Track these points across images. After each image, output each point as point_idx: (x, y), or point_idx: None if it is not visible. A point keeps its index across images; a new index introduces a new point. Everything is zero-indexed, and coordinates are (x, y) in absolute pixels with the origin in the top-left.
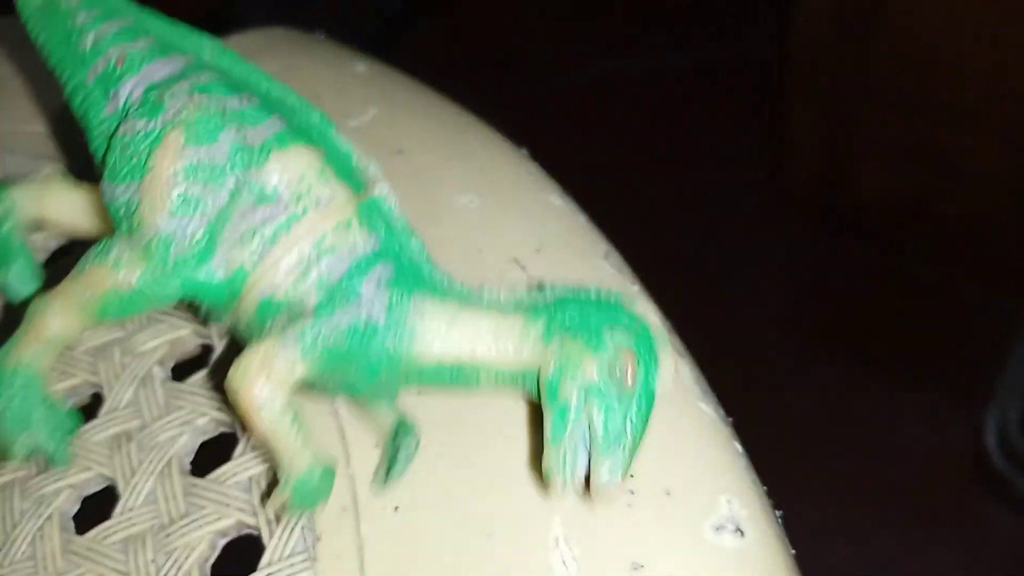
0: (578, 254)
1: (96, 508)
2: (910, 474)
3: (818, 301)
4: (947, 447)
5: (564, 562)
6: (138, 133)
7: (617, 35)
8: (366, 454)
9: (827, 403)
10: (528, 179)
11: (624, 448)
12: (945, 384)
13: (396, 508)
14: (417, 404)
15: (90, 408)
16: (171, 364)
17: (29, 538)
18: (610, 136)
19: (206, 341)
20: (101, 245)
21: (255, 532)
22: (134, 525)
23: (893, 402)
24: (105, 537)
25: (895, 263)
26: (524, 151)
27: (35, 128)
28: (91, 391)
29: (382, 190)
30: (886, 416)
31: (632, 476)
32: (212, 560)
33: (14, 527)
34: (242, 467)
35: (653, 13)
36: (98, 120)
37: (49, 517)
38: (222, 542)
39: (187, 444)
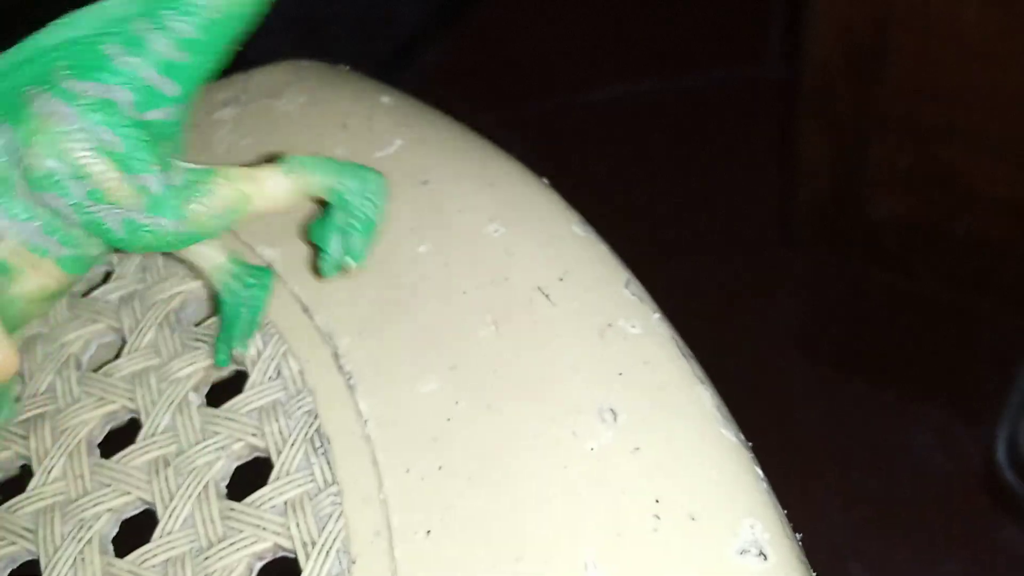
0: (600, 282)
1: (133, 532)
2: (923, 492)
3: (831, 322)
4: (959, 464)
5: None
6: None
7: (631, 57)
8: (399, 479)
9: (841, 423)
10: (551, 208)
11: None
12: (957, 402)
13: (428, 532)
14: (449, 425)
15: (127, 433)
16: (206, 390)
17: (71, 562)
18: (623, 157)
19: (240, 368)
20: None
21: (291, 555)
22: (173, 548)
23: (906, 421)
24: (145, 560)
25: (906, 284)
26: (545, 181)
27: None
28: (128, 416)
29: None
30: (899, 435)
31: (658, 502)
32: None
33: (55, 551)
34: (277, 491)
35: (668, 35)
36: None
37: (89, 541)
38: (259, 565)
39: (223, 469)
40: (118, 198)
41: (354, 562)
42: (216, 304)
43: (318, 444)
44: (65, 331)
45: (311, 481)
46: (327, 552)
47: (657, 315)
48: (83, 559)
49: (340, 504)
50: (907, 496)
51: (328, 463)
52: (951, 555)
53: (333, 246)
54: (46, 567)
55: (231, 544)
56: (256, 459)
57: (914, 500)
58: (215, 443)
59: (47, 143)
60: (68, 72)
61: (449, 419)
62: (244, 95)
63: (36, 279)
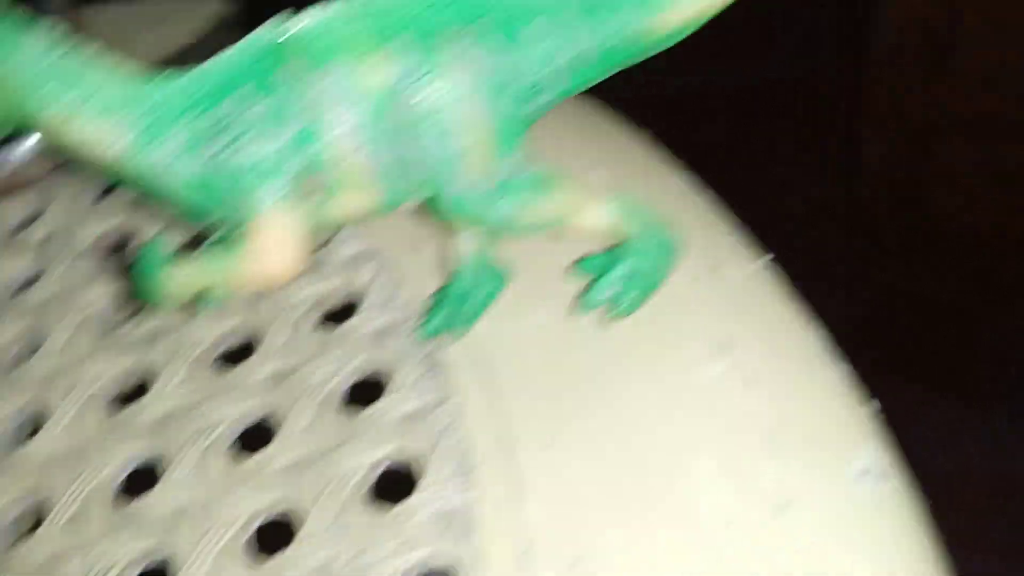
0: (708, 227)
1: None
2: (975, 496)
3: (888, 323)
4: (1011, 471)
5: (714, 500)
6: None
7: (690, 52)
8: (515, 397)
9: (894, 425)
10: (655, 159)
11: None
12: (1013, 409)
13: (549, 445)
14: (562, 349)
15: (244, 352)
16: (318, 314)
17: (193, 462)
18: (680, 152)
19: (352, 296)
20: None
21: (408, 464)
22: (293, 451)
23: (960, 426)
24: (268, 463)
25: (966, 285)
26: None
27: None
28: (247, 334)
29: None
30: (953, 440)
31: (774, 427)
32: (369, 486)
33: (178, 451)
34: (394, 404)
35: (726, 30)
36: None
37: (211, 445)
38: (378, 471)
39: (341, 383)
40: (473, 168)
41: (475, 469)
42: (445, 283)
43: (432, 363)
44: None
45: (427, 395)
46: (447, 459)
47: (764, 259)
48: (205, 462)
49: (457, 417)
50: (961, 501)
51: (443, 380)
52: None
53: (607, 292)
54: (168, 467)
55: (350, 449)
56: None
57: (967, 504)
58: (332, 359)
59: (448, 88)
60: (494, 29)
61: (561, 344)
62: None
63: (358, 201)
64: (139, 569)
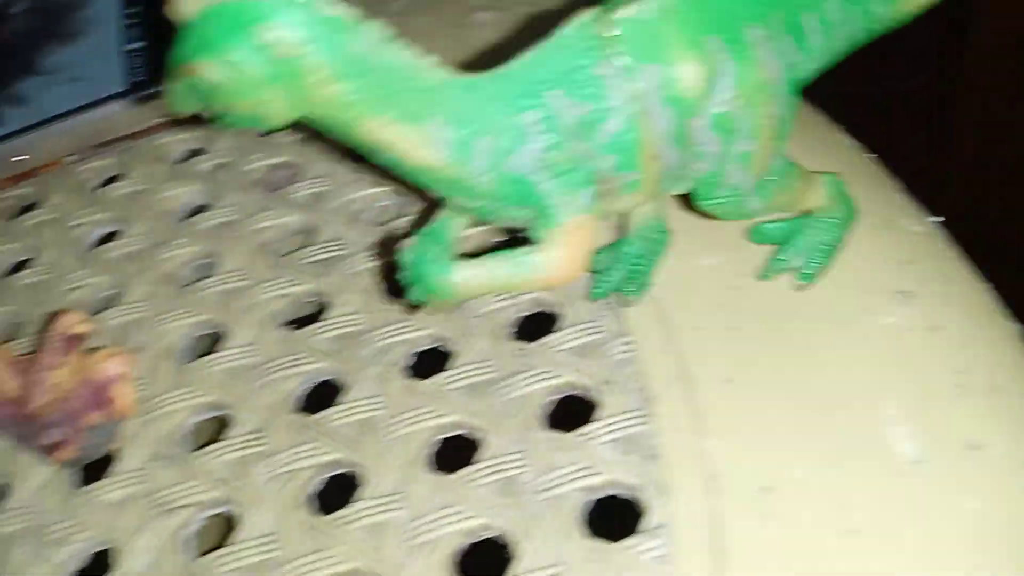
0: (880, 186)
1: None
2: None
3: None
4: None
5: (901, 440)
6: None
7: None
8: (690, 335)
9: None
10: (823, 124)
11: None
12: None
13: (729, 380)
14: (734, 294)
15: None
16: None
17: (373, 380)
18: None
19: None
20: None
21: (585, 393)
22: (471, 377)
23: None
24: (447, 384)
25: None
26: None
27: None
28: None
29: None
30: None
31: (959, 372)
32: (547, 412)
33: (359, 370)
34: (568, 337)
35: None
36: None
37: (392, 363)
38: (553, 398)
39: (514, 315)
40: (755, 168)
41: (653, 400)
42: (618, 246)
43: (607, 300)
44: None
45: (601, 331)
46: (625, 390)
47: (933, 219)
48: (386, 378)
49: (633, 351)
50: None
51: (617, 317)
52: None
53: (794, 260)
54: (348, 384)
55: (526, 377)
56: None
57: None
58: (504, 296)
59: (753, 92)
60: (784, 27)
61: (733, 288)
62: (502, 1)
63: (636, 200)
64: (325, 476)
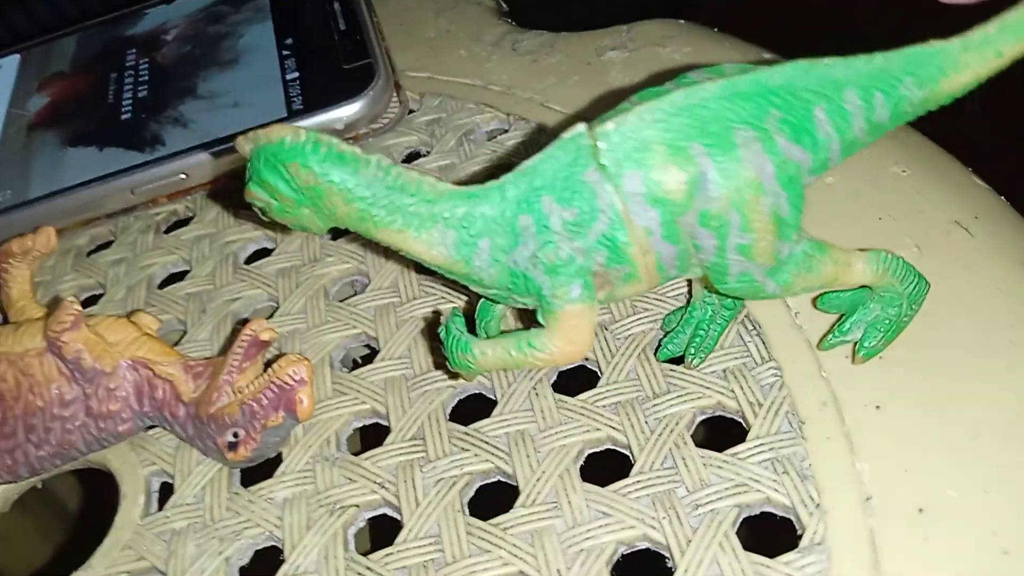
0: (1012, 226)
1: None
2: None
3: None
4: None
5: None
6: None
7: None
8: (837, 362)
9: None
10: (947, 158)
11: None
12: None
13: (877, 407)
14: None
15: None
16: None
17: (524, 395)
18: None
19: None
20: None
21: (734, 415)
22: (622, 395)
23: None
24: (596, 400)
25: None
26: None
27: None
28: None
29: None
30: None
31: None
32: (691, 430)
33: (510, 385)
34: (715, 360)
35: None
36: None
37: (542, 379)
38: (701, 417)
39: (653, 334)
40: (758, 258)
41: (804, 423)
42: (690, 309)
43: (750, 327)
44: None
45: (747, 356)
46: (775, 412)
47: None
48: (537, 394)
49: (780, 376)
50: None
51: (763, 343)
52: None
53: (853, 332)
54: (500, 396)
55: (676, 397)
56: None
57: None
58: (646, 317)
59: (738, 191)
60: (780, 125)
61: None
62: (630, 43)
63: (636, 289)
64: (482, 482)
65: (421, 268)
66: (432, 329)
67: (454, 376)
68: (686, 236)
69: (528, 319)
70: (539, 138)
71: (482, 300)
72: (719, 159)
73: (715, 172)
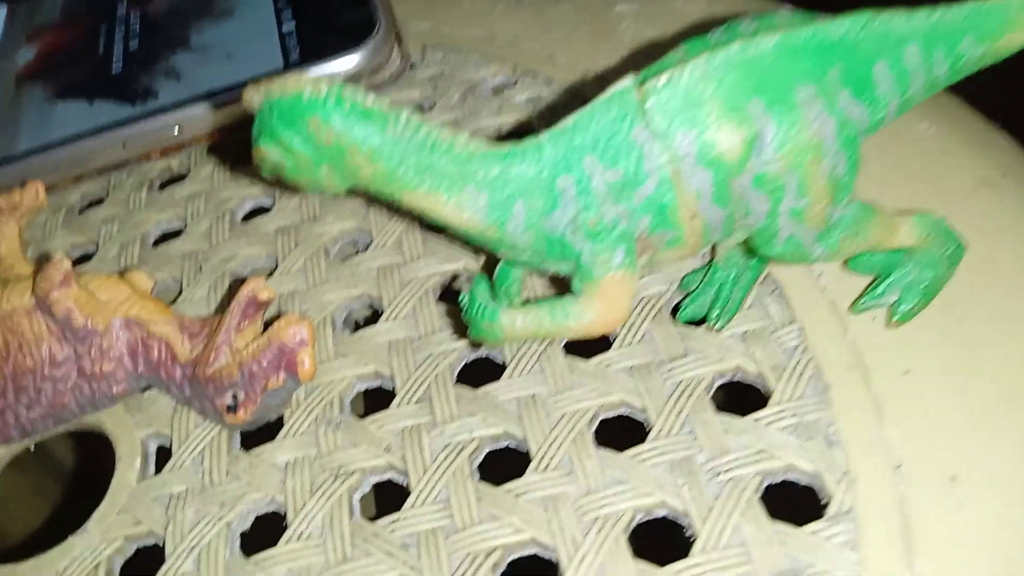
0: None
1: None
2: None
3: None
4: None
5: None
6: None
7: None
8: (864, 326)
9: None
10: (972, 116)
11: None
12: None
13: (906, 372)
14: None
15: None
16: None
17: (534, 358)
18: None
19: None
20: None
21: (755, 379)
22: (637, 358)
23: None
24: (610, 364)
25: None
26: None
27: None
28: None
29: None
30: None
31: None
32: (710, 395)
33: (520, 348)
34: (737, 322)
35: None
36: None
37: (551, 343)
38: (720, 382)
39: (671, 294)
40: (810, 222)
41: (828, 388)
42: (711, 269)
43: (770, 288)
44: None
45: (767, 318)
46: (799, 377)
47: None
48: (548, 357)
49: (804, 340)
50: None
51: (784, 304)
52: None
53: (888, 295)
54: (509, 362)
55: (694, 360)
56: None
57: None
58: (661, 278)
59: (795, 153)
60: (841, 82)
61: None
62: None
63: (679, 254)
64: (491, 447)
65: (427, 226)
66: (448, 293)
67: (476, 345)
68: (737, 199)
69: (558, 285)
70: (546, 93)
71: (502, 262)
72: (779, 118)
73: (774, 132)
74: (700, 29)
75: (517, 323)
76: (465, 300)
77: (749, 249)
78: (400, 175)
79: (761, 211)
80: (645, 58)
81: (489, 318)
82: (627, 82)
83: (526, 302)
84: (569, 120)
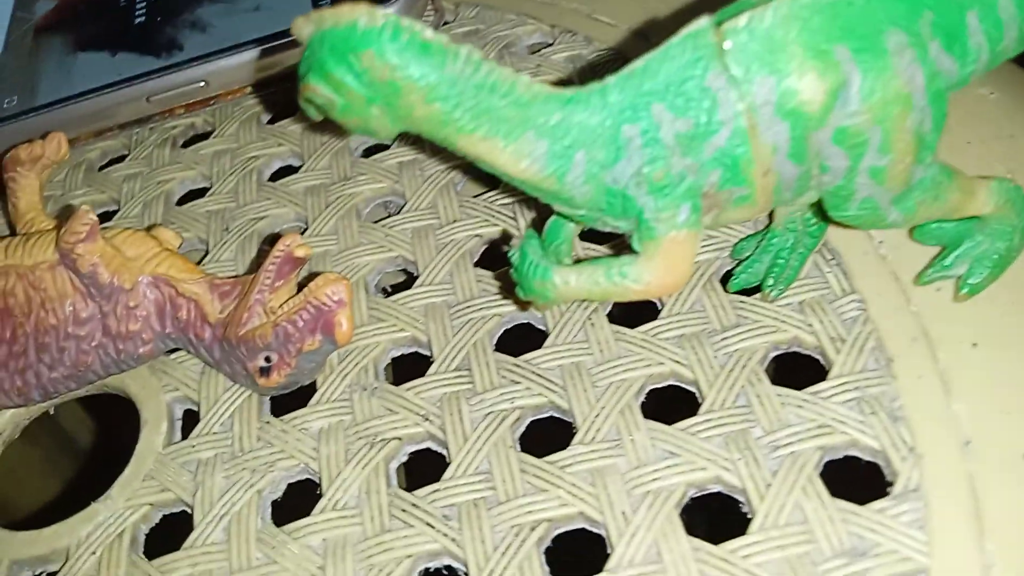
0: None
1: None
2: None
3: None
4: None
5: None
6: None
7: None
8: (929, 296)
9: None
10: None
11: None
12: None
13: (974, 344)
14: None
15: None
16: None
17: (578, 325)
18: None
19: None
20: None
21: (813, 352)
22: (687, 327)
23: None
24: (658, 332)
25: None
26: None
27: None
28: None
29: None
30: None
31: None
32: (765, 366)
33: (562, 314)
34: (789, 292)
35: None
36: None
37: (597, 309)
38: (774, 353)
39: (720, 264)
40: (890, 183)
41: (892, 360)
42: (767, 235)
43: (828, 256)
44: None
45: (826, 287)
46: (860, 348)
47: None
48: (592, 324)
49: (865, 310)
50: None
51: (843, 273)
52: None
53: (957, 266)
54: (552, 329)
55: (748, 330)
56: None
57: None
58: (711, 244)
59: (882, 106)
60: (933, 30)
61: None
62: None
63: (747, 213)
64: (533, 417)
65: (473, 175)
66: (486, 257)
67: (525, 305)
68: (814, 155)
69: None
70: (587, 52)
71: (553, 219)
72: (867, 66)
73: (861, 81)
74: None
75: (571, 282)
76: (516, 256)
77: (815, 212)
78: (457, 117)
79: (839, 169)
80: (692, 15)
81: (541, 276)
82: (703, 22)
83: (577, 262)
84: (637, 64)
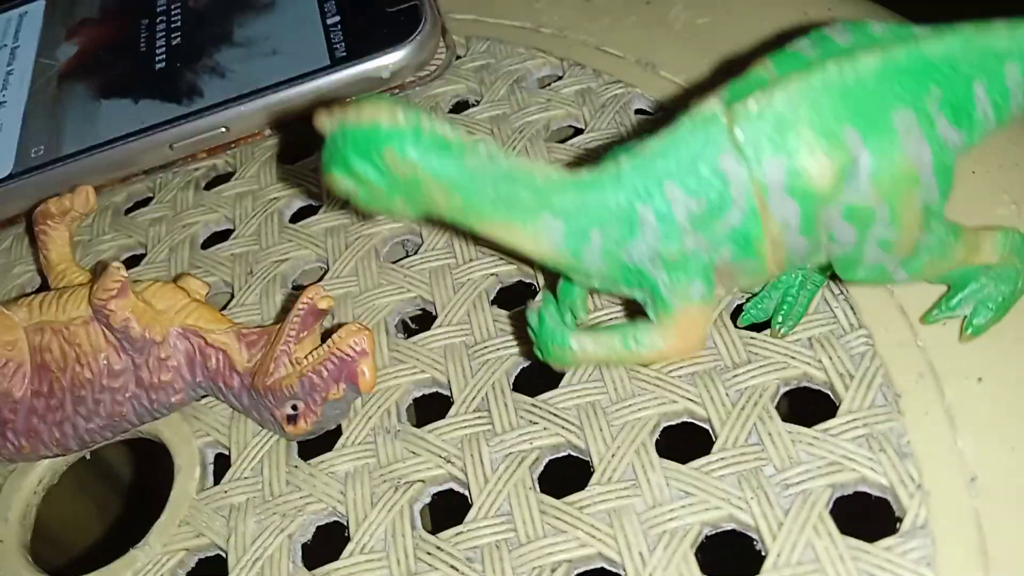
0: None
1: None
2: None
3: None
4: None
5: None
6: None
7: None
8: (934, 330)
9: None
10: None
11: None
12: None
13: (980, 379)
14: None
15: None
16: None
17: (595, 366)
18: None
19: None
20: None
21: (822, 387)
22: (699, 364)
23: None
24: (670, 371)
25: None
26: None
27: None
28: None
29: None
30: None
31: None
32: (775, 403)
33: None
34: (802, 327)
35: None
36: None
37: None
38: (784, 389)
39: (732, 302)
40: (898, 251)
41: (900, 397)
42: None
43: (836, 291)
44: None
45: (834, 322)
46: (868, 385)
47: None
48: (609, 372)
49: (872, 345)
50: None
51: (851, 309)
52: None
53: (963, 307)
54: (566, 369)
55: (758, 367)
56: None
57: None
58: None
59: (890, 185)
60: (940, 106)
61: None
62: None
63: (756, 281)
64: (551, 457)
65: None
66: (501, 296)
67: (544, 364)
68: (823, 228)
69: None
70: (595, 85)
71: (560, 288)
72: (876, 147)
73: (870, 161)
74: (753, 17)
75: (588, 348)
76: (535, 319)
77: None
78: (477, 206)
79: (847, 240)
80: (699, 47)
81: (560, 342)
82: (715, 106)
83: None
84: (651, 145)
